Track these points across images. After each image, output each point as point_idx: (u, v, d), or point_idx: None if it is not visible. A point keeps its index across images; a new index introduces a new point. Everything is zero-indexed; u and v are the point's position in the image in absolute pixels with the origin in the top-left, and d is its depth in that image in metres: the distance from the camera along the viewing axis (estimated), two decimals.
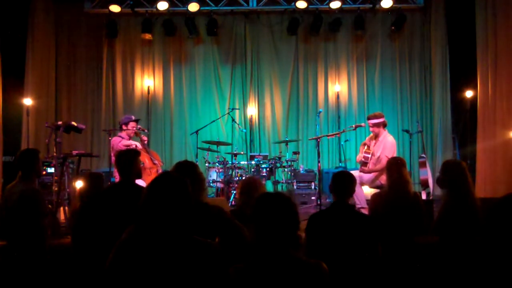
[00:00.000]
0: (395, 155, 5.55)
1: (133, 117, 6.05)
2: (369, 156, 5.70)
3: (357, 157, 6.06)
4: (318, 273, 1.76)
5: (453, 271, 2.91)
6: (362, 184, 5.63)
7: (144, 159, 5.87)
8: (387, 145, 5.59)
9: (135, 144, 5.81)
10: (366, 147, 5.87)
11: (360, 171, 5.74)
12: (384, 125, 5.79)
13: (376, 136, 5.82)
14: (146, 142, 6.07)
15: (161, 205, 1.79)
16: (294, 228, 1.81)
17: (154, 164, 5.93)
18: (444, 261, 3.03)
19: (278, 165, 7.01)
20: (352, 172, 5.71)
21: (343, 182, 2.96)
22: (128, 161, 3.29)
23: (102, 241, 3.08)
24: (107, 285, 1.78)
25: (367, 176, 5.62)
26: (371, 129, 5.84)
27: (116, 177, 5.68)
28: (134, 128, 5.93)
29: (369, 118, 5.86)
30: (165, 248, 1.75)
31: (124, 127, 5.90)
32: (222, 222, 2.65)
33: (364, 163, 5.74)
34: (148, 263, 1.73)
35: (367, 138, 6.17)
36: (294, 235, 1.80)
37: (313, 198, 6.90)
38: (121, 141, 5.72)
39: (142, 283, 1.72)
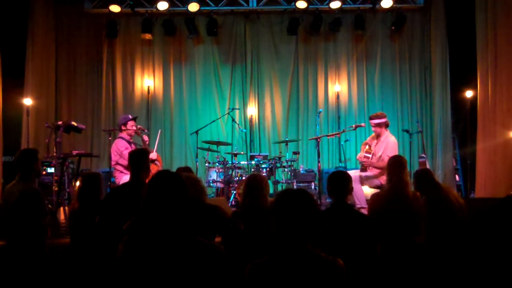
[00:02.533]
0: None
1: (130, 116, 6.05)
2: (370, 156, 5.69)
3: (358, 155, 6.05)
4: (335, 269, 1.79)
5: (443, 271, 2.94)
6: (362, 183, 5.63)
7: None
8: (389, 145, 5.59)
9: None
10: (367, 146, 5.86)
11: (361, 171, 5.73)
12: (386, 125, 5.78)
13: (378, 136, 5.81)
14: (147, 142, 6.07)
15: (160, 202, 1.81)
16: (314, 224, 1.83)
17: (155, 164, 5.94)
18: (433, 262, 3.05)
19: (278, 165, 7.00)
20: (353, 171, 5.73)
21: (338, 182, 2.95)
22: (138, 160, 3.36)
23: (104, 240, 3.10)
24: (117, 274, 1.81)
25: (368, 176, 5.60)
26: (373, 129, 5.83)
27: (116, 177, 5.70)
28: (134, 127, 5.92)
29: (371, 118, 5.85)
30: (166, 246, 1.76)
31: (123, 128, 5.90)
32: (221, 221, 2.66)
33: (362, 169, 5.74)
34: (150, 260, 1.75)
35: (368, 137, 6.15)
36: (315, 231, 1.82)
37: None
38: (120, 145, 5.67)
39: (145, 278, 1.74)
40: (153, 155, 5.77)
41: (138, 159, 3.39)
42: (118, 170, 5.63)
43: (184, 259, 1.75)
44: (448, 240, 2.98)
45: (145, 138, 6.07)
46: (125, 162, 5.40)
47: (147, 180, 3.38)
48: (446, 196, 3.16)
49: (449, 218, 3.04)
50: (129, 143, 5.89)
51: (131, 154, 3.46)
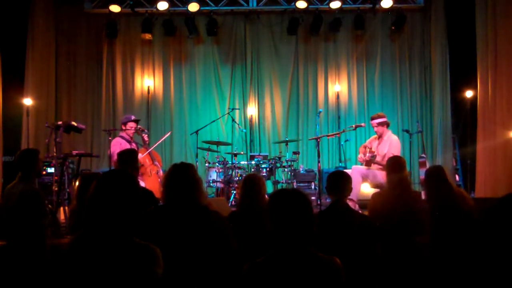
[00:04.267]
0: (399, 153, 5.60)
1: (133, 117, 6.06)
2: (375, 153, 5.74)
3: (359, 157, 6.07)
4: (332, 268, 1.79)
5: (446, 271, 2.93)
6: (364, 179, 5.63)
7: (145, 159, 5.87)
8: (393, 143, 5.72)
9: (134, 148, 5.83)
10: (368, 149, 5.90)
11: (366, 164, 5.77)
12: (387, 125, 5.89)
13: (379, 137, 5.87)
14: (147, 142, 6.07)
15: (103, 205, 1.78)
16: (310, 223, 1.84)
17: (155, 165, 5.94)
18: (436, 261, 3.05)
19: (278, 165, 7.00)
20: (359, 167, 5.75)
21: (338, 182, 2.95)
22: (125, 161, 3.35)
23: None
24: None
25: (376, 173, 5.59)
26: (375, 129, 5.89)
27: None
28: (133, 128, 5.93)
29: (373, 118, 5.93)
30: (104, 250, 1.75)
31: (123, 127, 5.91)
32: (220, 233, 2.63)
33: (369, 162, 5.77)
34: (88, 265, 1.74)
35: (369, 139, 6.17)
36: (310, 231, 1.83)
37: (313, 198, 6.88)
38: (119, 147, 5.70)
39: (84, 284, 1.73)
40: (140, 156, 5.78)
41: (127, 159, 3.39)
42: None
43: (120, 260, 1.74)
44: (453, 242, 2.97)
45: (145, 138, 6.07)
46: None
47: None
48: (454, 198, 3.13)
49: (454, 221, 3.03)
50: (129, 142, 5.90)
51: (120, 154, 3.46)
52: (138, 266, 1.74)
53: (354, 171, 5.65)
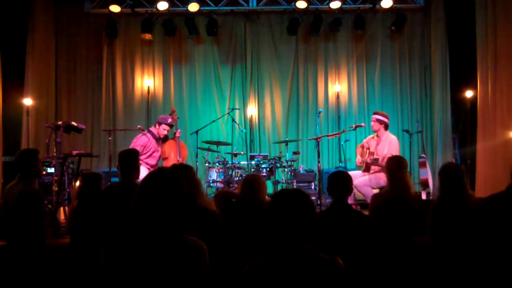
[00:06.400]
0: (398, 153, 5.59)
1: (169, 121, 6.21)
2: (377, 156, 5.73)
3: (357, 160, 6.08)
4: (334, 268, 1.78)
5: (449, 271, 2.93)
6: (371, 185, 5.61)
7: (170, 152, 6.13)
8: (392, 143, 5.70)
9: (155, 146, 6.10)
10: (367, 150, 5.89)
11: (364, 171, 5.74)
12: (386, 126, 5.83)
13: (377, 136, 5.85)
14: (179, 136, 6.29)
15: (153, 203, 1.76)
16: (313, 223, 1.83)
17: (178, 160, 6.07)
18: (439, 262, 3.04)
19: (278, 165, 6.99)
20: (356, 173, 5.74)
21: (339, 182, 2.95)
22: (127, 161, 3.36)
23: (100, 241, 3.10)
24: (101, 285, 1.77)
25: (378, 177, 5.59)
26: (372, 123, 5.86)
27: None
28: (165, 131, 6.17)
29: (376, 113, 5.90)
30: (155, 248, 1.73)
31: (157, 125, 6.15)
32: (216, 230, 2.64)
33: (370, 165, 5.75)
34: (137, 264, 1.71)
35: (365, 139, 6.18)
36: (313, 231, 1.82)
37: (313, 198, 6.88)
38: (137, 142, 5.95)
39: (133, 284, 1.71)
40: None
41: (128, 159, 3.40)
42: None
43: (174, 262, 1.73)
44: (456, 243, 2.95)
45: (177, 134, 6.27)
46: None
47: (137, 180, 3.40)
48: (465, 198, 3.09)
49: (457, 220, 3.01)
50: (157, 139, 6.12)
51: (121, 155, 3.47)
52: (192, 262, 1.75)
53: (360, 184, 5.59)
